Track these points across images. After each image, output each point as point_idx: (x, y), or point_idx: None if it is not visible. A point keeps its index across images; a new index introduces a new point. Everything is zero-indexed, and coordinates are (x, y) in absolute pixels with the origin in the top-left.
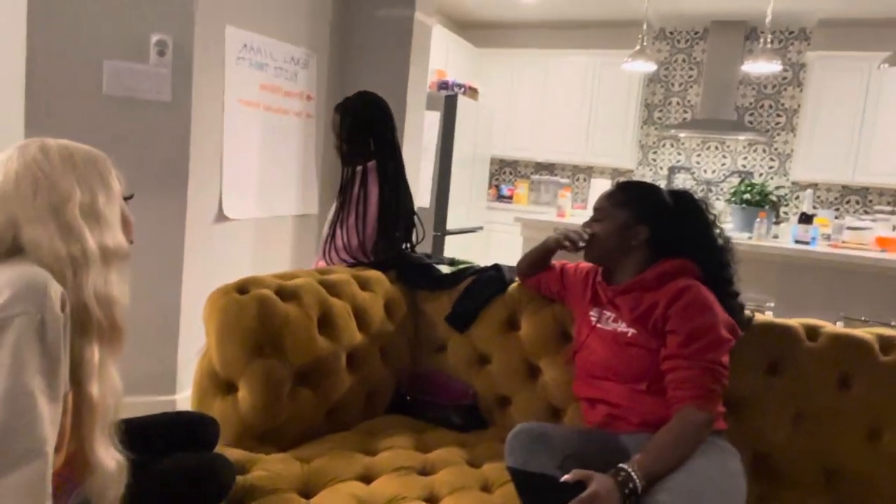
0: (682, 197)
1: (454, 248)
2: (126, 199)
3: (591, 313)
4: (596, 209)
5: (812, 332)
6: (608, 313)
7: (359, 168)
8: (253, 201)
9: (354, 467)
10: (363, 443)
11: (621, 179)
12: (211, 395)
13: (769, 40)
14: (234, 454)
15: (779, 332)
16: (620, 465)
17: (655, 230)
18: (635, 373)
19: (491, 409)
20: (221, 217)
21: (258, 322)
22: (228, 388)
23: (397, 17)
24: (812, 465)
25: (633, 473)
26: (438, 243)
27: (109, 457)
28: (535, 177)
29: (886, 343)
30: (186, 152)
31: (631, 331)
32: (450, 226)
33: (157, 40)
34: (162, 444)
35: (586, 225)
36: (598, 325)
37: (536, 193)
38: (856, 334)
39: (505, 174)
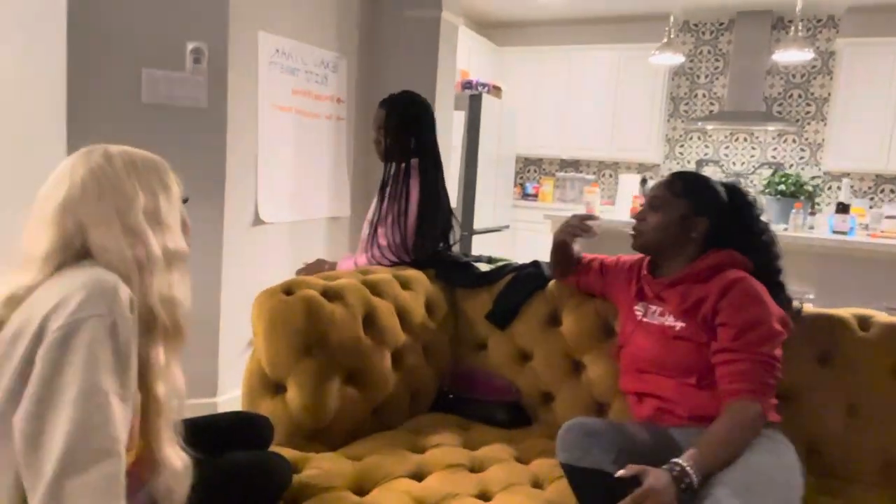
0: (735, 190)
1: (481, 247)
2: (183, 201)
3: (637, 308)
4: (653, 197)
5: (863, 321)
6: (654, 307)
7: (400, 166)
8: (287, 205)
9: (405, 465)
10: (411, 441)
11: (675, 171)
12: (260, 396)
13: (798, 27)
14: (286, 453)
15: (829, 322)
16: (675, 459)
17: (713, 223)
18: (684, 366)
19: (534, 406)
20: (258, 221)
21: (305, 322)
22: (277, 388)
23: (424, 17)
24: (868, 457)
25: (688, 468)
26: (465, 243)
27: (176, 456)
28: (560, 174)
29: None
30: (223, 157)
31: (679, 324)
32: (476, 225)
33: (192, 48)
34: (218, 443)
35: (641, 214)
36: (645, 320)
37: (562, 190)
38: None
39: (530, 172)
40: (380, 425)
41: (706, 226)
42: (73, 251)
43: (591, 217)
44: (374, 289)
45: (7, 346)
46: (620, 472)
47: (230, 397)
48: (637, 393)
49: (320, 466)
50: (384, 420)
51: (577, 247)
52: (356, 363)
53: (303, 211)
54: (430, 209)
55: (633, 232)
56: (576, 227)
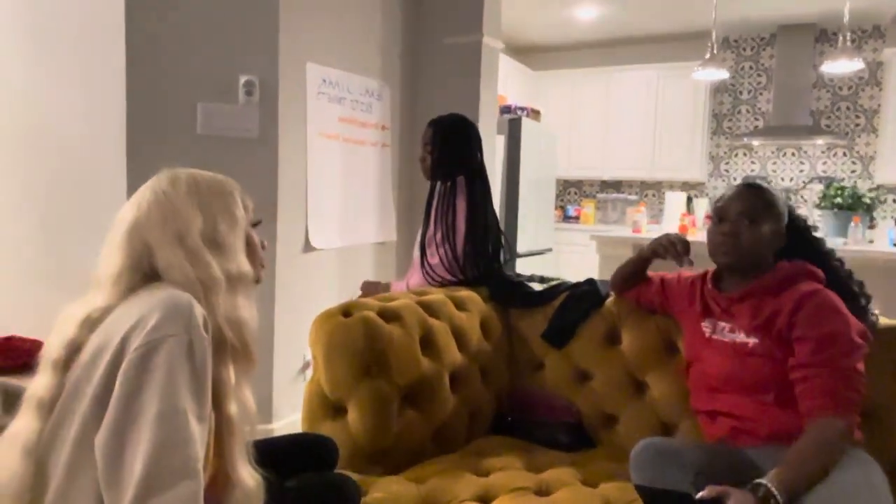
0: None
1: (525, 270)
2: (254, 224)
3: (705, 324)
4: (747, 208)
5: None
6: (723, 323)
7: (446, 184)
8: (336, 231)
9: (471, 488)
10: (473, 463)
11: (755, 182)
12: (321, 418)
13: (846, 37)
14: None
15: None
16: (758, 480)
17: (789, 239)
18: (760, 383)
19: (596, 428)
20: (308, 247)
21: (364, 343)
22: (337, 410)
23: (465, 42)
24: None
25: (773, 489)
26: (509, 267)
27: (249, 475)
28: (602, 195)
29: None
30: (275, 185)
31: (752, 340)
32: (520, 249)
33: (245, 81)
34: (285, 465)
35: (734, 228)
36: (715, 337)
37: (603, 212)
38: None
39: (570, 194)
40: (440, 448)
41: (784, 242)
42: (143, 273)
43: (687, 243)
44: (430, 309)
45: (86, 367)
46: (702, 494)
47: (286, 423)
48: (709, 412)
49: (386, 490)
50: (444, 443)
51: None
52: (415, 384)
53: (351, 237)
54: (479, 225)
55: (726, 248)
56: (674, 247)
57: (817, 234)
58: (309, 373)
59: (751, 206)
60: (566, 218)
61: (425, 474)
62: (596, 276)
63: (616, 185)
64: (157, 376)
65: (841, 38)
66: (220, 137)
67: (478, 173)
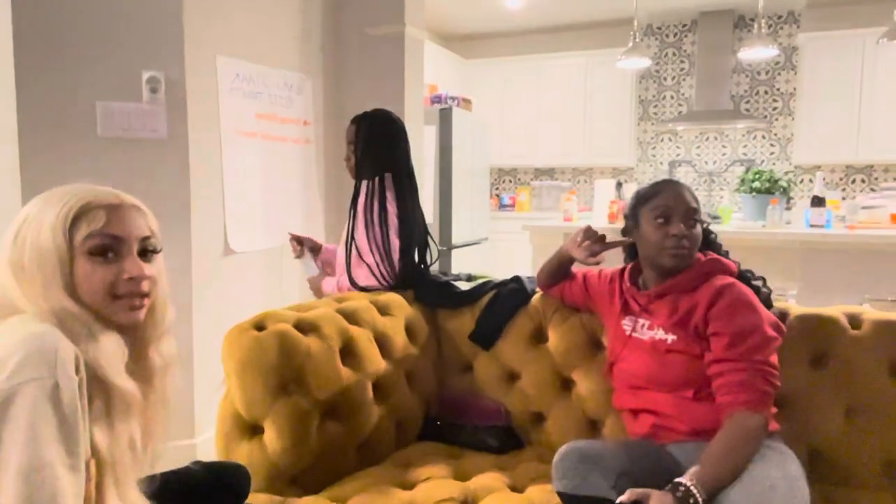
0: None
1: (461, 261)
2: (97, 253)
3: (625, 323)
4: (692, 209)
5: (854, 319)
6: (643, 321)
7: (373, 182)
8: (258, 233)
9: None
10: (399, 476)
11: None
12: (236, 439)
13: (761, 24)
14: (265, 501)
15: (819, 322)
16: (677, 480)
17: None
18: (680, 380)
19: (525, 428)
20: (228, 251)
21: (280, 358)
22: (254, 430)
23: (388, 33)
24: (870, 459)
25: (692, 487)
26: (445, 258)
27: None
28: (536, 183)
29: None
30: (187, 188)
31: (670, 337)
32: (455, 240)
33: (148, 77)
34: (192, 498)
35: (685, 230)
36: (635, 335)
37: (538, 199)
38: None
39: (505, 183)
40: (366, 461)
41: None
42: (9, 305)
43: (598, 238)
44: (351, 317)
45: None
46: (621, 499)
47: (209, 437)
48: (632, 410)
49: None
50: (370, 455)
51: None
52: (336, 398)
53: (275, 238)
54: (409, 226)
55: (681, 251)
56: (590, 249)
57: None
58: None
59: (693, 205)
60: (502, 206)
61: (348, 492)
62: (530, 266)
63: (549, 173)
64: (16, 427)
65: (756, 24)
66: (124, 139)
67: (405, 169)
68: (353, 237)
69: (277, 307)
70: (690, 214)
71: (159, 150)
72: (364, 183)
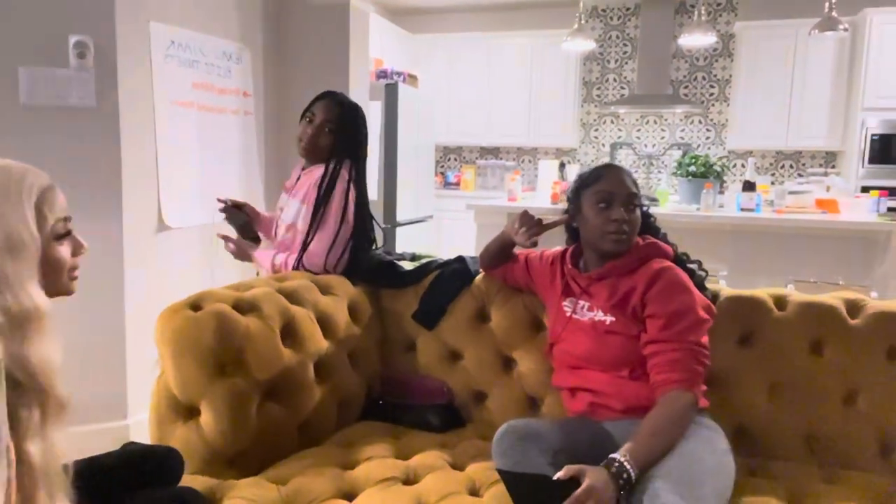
0: None
1: (405, 239)
2: (61, 236)
3: (565, 304)
4: (633, 195)
5: (780, 301)
6: (583, 302)
7: (334, 166)
8: (195, 208)
9: (335, 485)
10: (340, 456)
11: (609, 163)
12: (171, 422)
13: (701, 11)
14: (201, 483)
15: (747, 303)
16: (612, 455)
17: None
18: (616, 360)
19: (467, 406)
20: (162, 226)
21: (217, 339)
22: (190, 412)
23: (332, 4)
24: (792, 432)
25: (625, 463)
26: (389, 235)
27: None
28: (481, 161)
29: (853, 307)
30: (118, 160)
31: (609, 318)
32: (399, 217)
33: (75, 42)
34: (121, 484)
35: (625, 214)
36: (575, 316)
37: (483, 178)
38: (824, 300)
39: (450, 161)
40: (307, 441)
41: None
42: None
43: (535, 223)
44: (292, 297)
45: None
46: (559, 475)
47: (142, 418)
48: (570, 388)
49: (242, 495)
50: (311, 435)
51: None
52: (277, 378)
53: (213, 213)
54: (367, 212)
55: (622, 236)
56: (518, 227)
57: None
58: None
59: (633, 191)
60: (447, 184)
61: (287, 473)
62: (474, 244)
63: (495, 152)
64: None
65: (697, 11)
66: (50, 107)
67: (364, 156)
68: (321, 219)
69: (216, 286)
70: (631, 200)
71: (88, 119)
72: (342, 165)
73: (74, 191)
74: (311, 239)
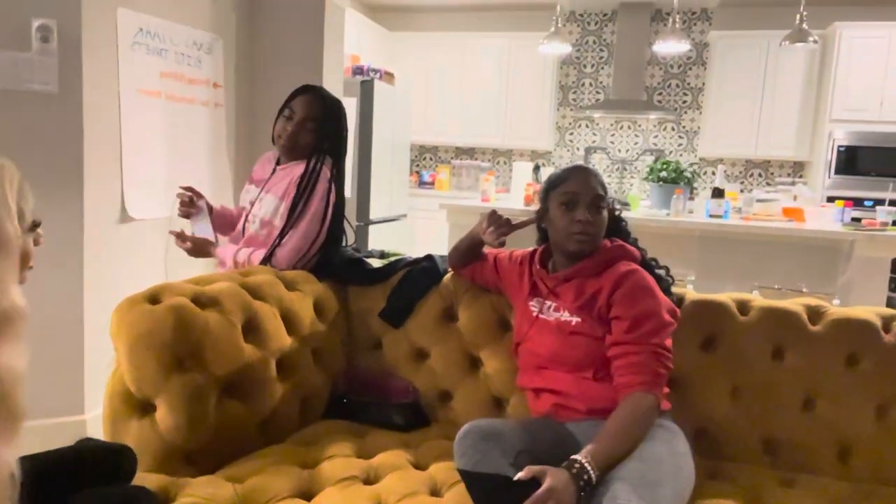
0: None
1: (378, 237)
2: (31, 227)
3: (532, 304)
4: (598, 196)
5: (743, 306)
6: (550, 302)
7: (314, 164)
8: (160, 199)
9: (294, 483)
10: (301, 454)
11: (584, 165)
12: (125, 418)
13: (675, 19)
14: (156, 481)
15: (711, 308)
16: (573, 456)
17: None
18: (581, 361)
19: (433, 405)
20: (125, 217)
21: (175, 334)
22: (145, 407)
23: None
24: (752, 436)
25: (586, 464)
26: (362, 233)
27: None
28: (456, 161)
29: (814, 313)
30: (80, 148)
31: (575, 319)
32: (373, 215)
33: (39, 25)
34: (72, 481)
35: (590, 215)
36: (542, 316)
37: (458, 178)
38: (785, 306)
39: (425, 160)
40: (268, 439)
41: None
42: None
43: (504, 223)
44: (256, 292)
45: None
46: (519, 475)
47: (100, 414)
48: (534, 389)
49: (196, 493)
50: (272, 433)
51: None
52: (237, 374)
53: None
54: (343, 213)
55: (586, 237)
56: (497, 233)
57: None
58: None
59: (599, 192)
60: (422, 183)
61: (245, 471)
62: (447, 244)
63: (470, 152)
64: None
65: (671, 20)
66: (9, 91)
67: (344, 155)
68: (297, 218)
69: (179, 280)
70: (596, 202)
71: (50, 105)
72: (324, 163)
73: (34, 179)
74: (285, 237)
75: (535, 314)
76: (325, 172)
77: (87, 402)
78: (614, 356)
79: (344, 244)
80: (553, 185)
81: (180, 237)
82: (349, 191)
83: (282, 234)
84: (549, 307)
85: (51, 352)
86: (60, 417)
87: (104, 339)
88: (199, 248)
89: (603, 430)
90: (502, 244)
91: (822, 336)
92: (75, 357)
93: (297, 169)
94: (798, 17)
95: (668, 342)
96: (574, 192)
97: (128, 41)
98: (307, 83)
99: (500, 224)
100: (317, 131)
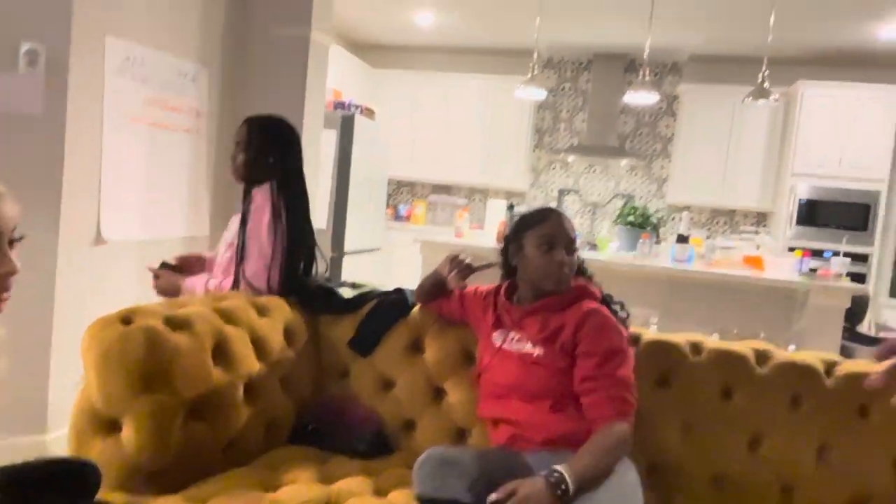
0: None
1: (353, 268)
2: (11, 242)
3: (496, 335)
4: (572, 240)
5: (695, 347)
6: (513, 334)
7: (261, 186)
8: (136, 222)
9: None
10: (263, 478)
11: (551, 206)
12: (91, 436)
13: (646, 72)
14: (119, 499)
15: (666, 348)
16: (554, 466)
17: None
18: (540, 391)
19: (396, 434)
20: (99, 239)
21: (145, 354)
22: (111, 426)
23: (293, 35)
24: (701, 472)
25: (564, 474)
26: (336, 264)
27: None
28: (433, 197)
29: (761, 356)
30: (59, 169)
31: (538, 351)
32: (347, 247)
33: (27, 49)
34: (36, 495)
35: (567, 256)
36: (504, 347)
37: (433, 213)
38: (734, 349)
39: (402, 194)
40: (232, 462)
41: None
42: None
43: (465, 266)
44: (227, 316)
45: None
46: (492, 497)
47: (61, 434)
48: (493, 419)
49: None
50: (237, 456)
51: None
52: (204, 397)
53: (154, 229)
54: (297, 238)
55: (563, 276)
56: (451, 268)
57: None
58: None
59: (572, 235)
60: (398, 217)
61: (208, 492)
62: (420, 277)
63: (446, 189)
64: None
65: (641, 72)
66: None
67: (295, 180)
68: (243, 243)
69: (151, 303)
70: (571, 244)
71: (32, 126)
72: (254, 189)
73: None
74: (242, 267)
75: (498, 345)
76: (258, 198)
77: (49, 422)
78: (586, 391)
79: (315, 272)
80: (528, 225)
81: (155, 274)
82: (324, 221)
83: (238, 263)
84: (513, 338)
85: (16, 369)
86: (20, 436)
87: (71, 360)
88: (170, 287)
89: (581, 451)
90: (464, 287)
91: (768, 378)
92: (40, 376)
93: (256, 194)
94: (760, 76)
95: (633, 375)
96: (552, 234)
97: (114, 67)
98: (284, 115)
99: (462, 268)
100: (245, 154)
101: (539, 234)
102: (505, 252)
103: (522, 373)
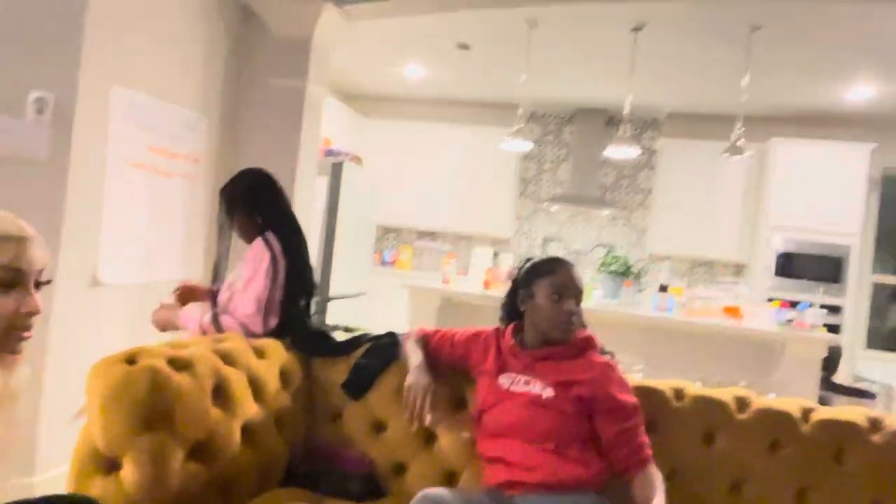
0: None
1: (338, 313)
2: (40, 285)
3: (502, 379)
4: (581, 291)
5: (678, 393)
6: (522, 377)
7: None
8: (133, 266)
9: None
10: None
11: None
12: (91, 474)
13: (626, 128)
14: None
15: (650, 394)
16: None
17: None
18: (545, 433)
19: (387, 477)
20: (96, 282)
21: (148, 394)
22: (111, 465)
23: (290, 87)
24: None
25: None
26: (320, 309)
27: None
28: (419, 243)
29: (741, 403)
30: (61, 212)
31: (547, 393)
32: (333, 291)
33: (36, 97)
34: None
35: (575, 306)
36: (512, 388)
37: (419, 259)
38: (715, 395)
39: (388, 240)
40: (226, 503)
41: None
42: None
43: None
44: (227, 358)
45: None
46: None
47: (49, 477)
48: (490, 458)
49: None
50: (230, 498)
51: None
52: (202, 437)
53: (151, 272)
54: (296, 281)
55: (572, 326)
56: (413, 406)
57: None
58: (82, 421)
59: (581, 287)
60: (384, 262)
61: None
62: (407, 322)
63: (432, 235)
64: None
65: (622, 127)
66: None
67: (288, 225)
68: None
69: (145, 344)
70: (579, 295)
71: (37, 171)
72: (254, 242)
73: None
74: (234, 305)
75: (505, 388)
76: (258, 245)
77: (38, 464)
78: (621, 443)
79: (308, 315)
80: (540, 274)
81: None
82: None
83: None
84: (521, 380)
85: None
86: (6, 480)
87: (62, 401)
88: (167, 322)
89: (643, 492)
90: (420, 423)
91: (748, 424)
92: (30, 416)
93: (255, 242)
94: (734, 134)
95: None
96: (563, 284)
97: (119, 115)
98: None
99: (419, 415)
100: (239, 226)
101: (551, 283)
102: (512, 296)
103: (529, 413)
